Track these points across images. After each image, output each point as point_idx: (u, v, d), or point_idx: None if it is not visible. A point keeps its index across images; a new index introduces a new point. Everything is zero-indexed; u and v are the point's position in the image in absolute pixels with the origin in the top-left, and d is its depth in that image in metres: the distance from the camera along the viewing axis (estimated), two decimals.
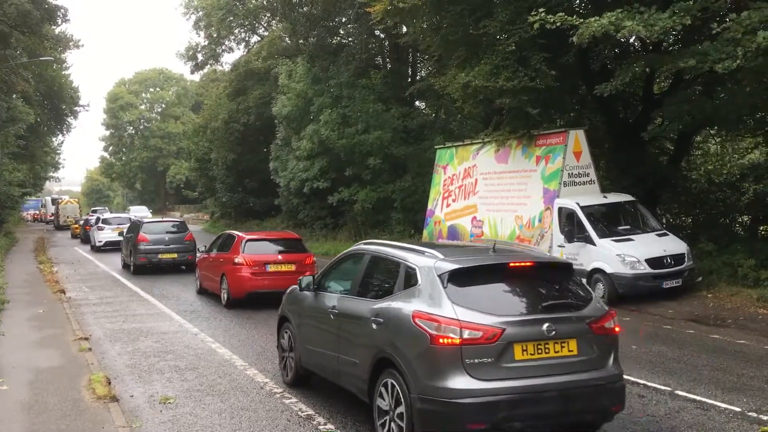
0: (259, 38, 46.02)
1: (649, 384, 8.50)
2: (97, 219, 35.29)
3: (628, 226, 15.65)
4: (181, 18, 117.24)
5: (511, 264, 6.35)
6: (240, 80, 44.54)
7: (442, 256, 6.40)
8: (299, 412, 7.57)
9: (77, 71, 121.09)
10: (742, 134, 20.04)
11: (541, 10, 13.50)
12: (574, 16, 13.31)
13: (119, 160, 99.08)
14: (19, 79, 34.95)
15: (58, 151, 67.34)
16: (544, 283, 6.53)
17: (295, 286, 8.68)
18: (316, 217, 34.48)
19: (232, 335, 12.10)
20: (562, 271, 6.77)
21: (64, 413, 7.42)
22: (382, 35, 32.18)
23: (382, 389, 6.31)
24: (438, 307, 5.92)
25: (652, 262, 14.32)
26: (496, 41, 16.95)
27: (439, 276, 6.11)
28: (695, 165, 21.52)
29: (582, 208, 15.42)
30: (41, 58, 38.06)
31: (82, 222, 42.40)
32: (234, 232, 17.49)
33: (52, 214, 63.55)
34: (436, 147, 22.52)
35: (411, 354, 5.98)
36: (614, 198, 16.34)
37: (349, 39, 34.89)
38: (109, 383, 8.50)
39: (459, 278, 6.10)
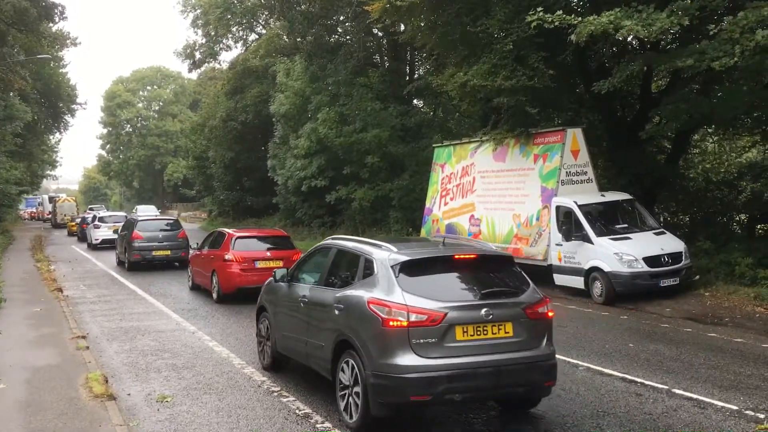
0: (257, 36, 45.99)
1: (647, 382, 8.51)
2: (94, 217, 35.55)
3: (626, 225, 15.66)
4: (179, 16, 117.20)
5: (456, 256, 7.15)
6: (238, 78, 44.51)
7: (395, 249, 7.17)
8: (296, 411, 7.57)
9: (75, 69, 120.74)
10: (739, 133, 20.08)
11: (539, 9, 13.48)
12: (573, 15, 13.29)
13: (117, 158, 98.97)
14: (16, 77, 34.88)
15: (56, 149, 67.32)
16: (486, 273, 7.31)
17: (272, 279, 9.33)
18: (314, 216, 34.48)
19: (229, 334, 12.10)
20: (502, 263, 7.56)
21: (61, 412, 7.41)
22: (380, 33, 32.16)
23: (344, 366, 7.04)
24: (390, 294, 6.68)
25: (650, 260, 14.33)
26: (493, 40, 16.93)
27: (392, 267, 6.86)
28: (693, 163, 21.54)
29: (580, 206, 15.42)
30: (38, 56, 38.00)
31: (78, 220, 42.54)
32: (224, 229, 18.13)
33: (50, 213, 63.49)
34: (434, 145, 22.52)
35: (366, 336, 6.74)
36: (612, 196, 16.35)
37: (347, 37, 34.89)
38: (107, 381, 8.50)
39: (409, 268, 6.87)
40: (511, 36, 16.28)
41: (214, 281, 15.93)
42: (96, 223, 33.66)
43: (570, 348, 10.46)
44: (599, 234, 14.99)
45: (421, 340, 6.44)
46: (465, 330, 6.54)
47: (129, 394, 8.32)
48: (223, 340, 11.43)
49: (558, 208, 15.92)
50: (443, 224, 20.25)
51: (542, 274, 16.60)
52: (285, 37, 39.80)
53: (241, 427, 7.08)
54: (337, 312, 7.26)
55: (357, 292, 7.09)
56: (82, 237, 37.55)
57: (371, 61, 34.50)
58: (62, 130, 61.98)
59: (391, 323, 6.50)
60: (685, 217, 20.35)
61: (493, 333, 6.62)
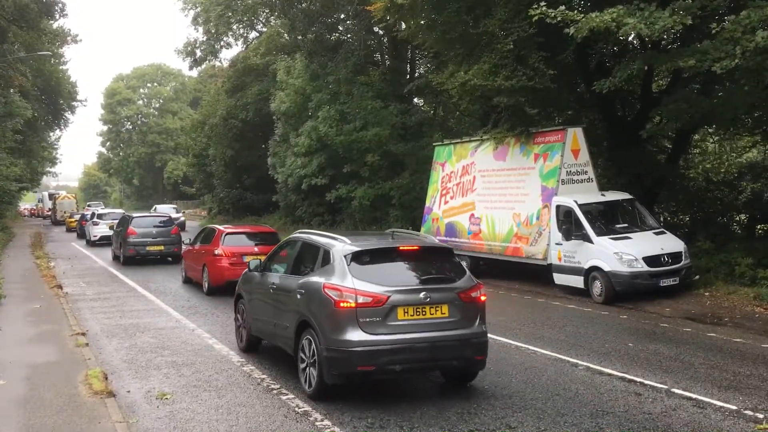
0: (257, 34, 45.96)
1: (646, 382, 8.51)
2: (92, 214, 36.05)
3: (626, 225, 15.66)
4: (180, 14, 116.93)
5: (400, 247, 8.28)
6: (238, 76, 44.49)
7: (349, 242, 8.21)
8: (296, 408, 7.57)
9: (75, 66, 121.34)
10: (740, 133, 20.07)
11: (542, 3, 13.45)
12: (575, 12, 13.27)
13: (117, 155, 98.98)
14: (16, 74, 34.93)
15: (56, 146, 67.20)
16: (426, 262, 8.34)
17: (247, 269, 10.34)
18: (314, 214, 34.47)
19: (229, 331, 12.06)
20: (442, 254, 8.69)
21: (60, 408, 7.41)
22: (381, 32, 32.12)
23: (304, 343, 8.09)
24: (342, 279, 7.72)
25: (650, 260, 14.33)
26: (494, 39, 16.92)
27: (345, 256, 7.91)
28: (693, 163, 21.54)
29: (580, 206, 15.42)
30: (39, 53, 38.03)
31: (77, 217, 42.94)
32: (215, 226, 19.29)
33: (49, 209, 63.45)
34: (434, 144, 22.50)
35: (321, 316, 7.80)
36: (612, 196, 16.34)
37: (348, 35, 34.83)
38: (106, 378, 8.50)
39: (359, 258, 7.93)
40: (512, 35, 16.26)
41: (205, 275, 16.75)
42: (95, 220, 34.08)
43: (569, 347, 10.47)
44: (599, 233, 14.99)
45: (367, 319, 7.50)
46: (406, 311, 7.60)
47: (128, 391, 8.33)
48: (222, 338, 11.43)
49: (558, 207, 15.91)
50: (443, 223, 20.24)
51: (542, 273, 16.66)
52: (285, 35, 39.76)
53: (240, 425, 7.08)
54: (299, 296, 8.33)
55: (315, 279, 8.16)
56: (81, 233, 37.92)
57: (372, 59, 34.47)
58: (62, 127, 62.05)
59: (341, 305, 7.55)
60: (685, 216, 20.35)
61: (430, 314, 7.70)
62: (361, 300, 7.53)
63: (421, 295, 7.66)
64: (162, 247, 23.64)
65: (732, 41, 12.11)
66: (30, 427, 6.87)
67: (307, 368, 8.03)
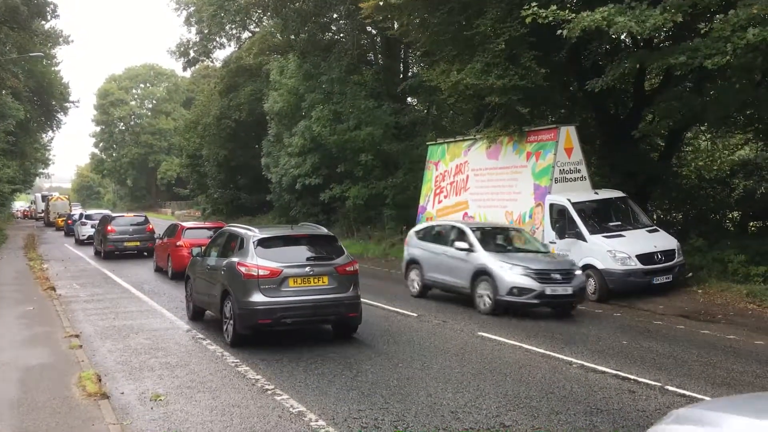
0: (250, 34, 45.84)
1: (640, 379, 8.53)
2: (80, 215, 38.77)
3: (619, 223, 15.71)
4: (173, 14, 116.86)
5: (294, 235, 11.38)
6: (231, 76, 44.37)
7: (258, 232, 11.06)
8: (290, 409, 7.56)
9: (67, 67, 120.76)
10: (732, 130, 20.16)
11: (533, 4, 13.49)
12: (566, 11, 13.31)
13: (110, 156, 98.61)
14: (8, 75, 34.73)
15: (48, 148, 67.09)
16: (313, 246, 11.16)
17: (192, 256, 13.41)
18: (308, 214, 34.41)
19: (222, 332, 12.05)
20: (326, 240, 11.39)
21: (54, 411, 7.38)
22: (374, 31, 32.12)
23: (225, 306, 10.83)
24: (250, 258, 10.46)
25: (643, 258, 14.38)
26: (486, 39, 16.94)
27: (253, 242, 10.67)
28: (686, 161, 21.62)
29: (573, 204, 15.46)
30: (31, 54, 37.86)
31: (65, 217, 45.71)
32: (178, 222, 23.18)
33: (42, 211, 63.22)
34: (427, 143, 22.53)
35: (235, 285, 10.56)
36: (605, 194, 16.39)
37: (341, 35, 34.82)
38: (100, 380, 8.46)
39: (264, 243, 10.71)
40: (504, 35, 16.28)
41: (169, 262, 20.10)
42: (83, 220, 36.30)
43: (563, 345, 10.49)
44: (592, 232, 15.03)
45: (267, 286, 10.25)
46: (295, 280, 10.39)
47: (122, 393, 8.30)
48: (216, 339, 11.39)
49: (551, 205, 15.94)
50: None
51: None
52: (278, 35, 39.68)
53: (234, 426, 7.06)
54: (222, 272, 11.08)
55: (233, 259, 10.86)
56: (68, 232, 40.73)
57: (365, 58, 34.43)
58: (55, 129, 61.83)
59: (247, 276, 10.30)
60: (678, 214, 20.43)
61: (314, 282, 10.48)
62: (261, 273, 10.26)
63: (307, 269, 10.50)
64: (138, 243, 26.66)
65: (723, 39, 12.16)
66: (23, 430, 6.83)
67: (227, 325, 10.76)
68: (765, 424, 3.33)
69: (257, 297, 10.19)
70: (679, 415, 4.01)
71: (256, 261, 10.33)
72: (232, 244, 11.37)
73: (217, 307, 11.28)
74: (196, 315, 13.03)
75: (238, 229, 11.95)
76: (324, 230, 12.18)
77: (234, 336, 10.57)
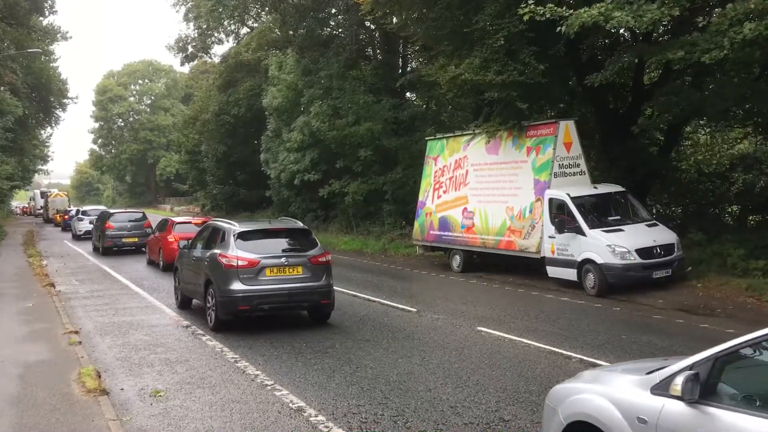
0: (248, 30, 45.76)
1: None
2: (77, 211, 40.15)
3: (619, 217, 15.71)
4: (171, 9, 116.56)
5: (271, 228, 12.52)
6: (230, 72, 44.33)
7: (238, 225, 12.00)
8: (290, 404, 7.57)
9: (65, 63, 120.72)
10: (731, 125, 20.12)
11: (530, 1, 13.47)
12: (564, 8, 13.29)
13: (109, 152, 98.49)
14: (6, 71, 34.67)
15: (47, 144, 66.96)
16: (289, 238, 12.15)
17: (180, 248, 14.70)
18: (307, 209, 34.43)
19: (224, 329, 12.06)
20: (301, 233, 12.37)
21: (53, 407, 7.38)
22: (372, 26, 32.02)
23: (209, 294, 11.74)
24: (230, 250, 11.34)
25: (642, 252, 14.38)
26: (485, 35, 16.91)
27: (233, 235, 11.57)
28: (685, 155, 21.59)
29: (572, 198, 15.45)
30: (29, 50, 37.78)
31: (63, 212, 48.00)
32: (169, 217, 24.69)
33: (41, 207, 63.23)
34: (426, 138, 22.50)
35: (217, 274, 11.46)
36: (604, 189, 16.38)
37: (339, 30, 34.74)
38: (99, 377, 8.47)
39: (243, 236, 11.61)
40: (502, 31, 16.24)
41: (161, 255, 21.15)
42: (79, 216, 37.53)
43: (563, 340, 10.50)
44: (592, 226, 15.02)
45: (245, 276, 11.14)
46: (272, 270, 11.27)
47: (122, 389, 8.31)
48: (216, 335, 11.40)
49: (551, 200, 15.94)
50: (436, 217, 20.26)
51: (536, 266, 16.69)
52: (277, 30, 39.61)
53: (234, 421, 7.07)
54: (206, 263, 11.99)
55: (215, 251, 11.72)
56: (65, 227, 42.60)
57: (364, 54, 34.38)
58: (53, 125, 61.77)
59: (228, 266, 11.22)
60: (677, 208, 20.42)
61: (289, 272, 11.36)
62: (240, 263, 11.17)
63: (282, 259, 11.39)
64: (136, 239, 26.98)
65: (720, 34, 12.15)
66: (23, 426, 6.84)
67: (210, 311, 11.72)
68: (646, 378, 4.18)
69: (237, 285, 11.08)
70: (581, 375, 5.09)
71: (236, 252, 11.24)
72: (216, 237, 12.23)
73: (201, 295, 12.20)
74: (183, 303, 13.94)
75: (221, 223, 12.84)
76: (300, 224, 13.01)
77: (216, 321, 11.49)
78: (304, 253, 11.63)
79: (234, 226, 11.86)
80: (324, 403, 7.59)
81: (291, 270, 11.34)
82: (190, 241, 14.02)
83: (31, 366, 9.21)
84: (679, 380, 3.75)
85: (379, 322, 12.22)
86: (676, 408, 3.78)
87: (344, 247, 27.45)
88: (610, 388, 4.39)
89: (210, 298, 11.66)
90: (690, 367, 3.85)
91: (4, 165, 43.24)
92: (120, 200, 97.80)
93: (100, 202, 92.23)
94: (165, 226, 22.15)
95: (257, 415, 7.23)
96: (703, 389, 3.72)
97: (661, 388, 3.95)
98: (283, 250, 11.60)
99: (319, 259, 11.64)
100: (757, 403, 3.53)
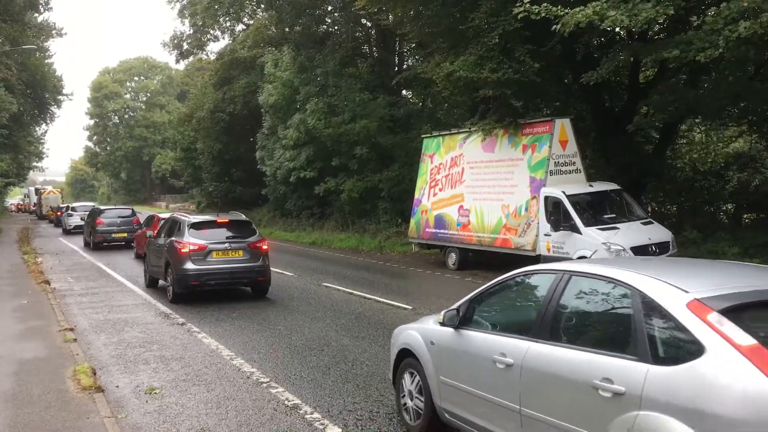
0: (244, 27, 45.63)
1: None
2: (67, 207, 42.35)
3: (614, 215, 15.73)
4: (166, 6, 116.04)
5: (218, 220, 14.85)
6: (225, 69, 44.17)
7: (192, 218, 14.78)
8: (286, 401, 7.57)
9: (61, 60, 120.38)
10: (726, 123, 20.20)
11: (525, 0, 13.48)
12: (559, 7, 13.30)
13: (104, 149, 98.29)
14: (1, 68, 34.53)
15: (42, 141, 66.53)
16: (232, 228, 14.61)
17: (148, 238, 17.67)
18: (303, 207, 34.40)
19: (218, 325, 12.07)
20: (243, 224, 15.02)
21: (48, 404, 7.37)
22: (369, 24, 32.01)
23: (168, 273, 14.39)
24: (185, 237, 14.02)
25: (637, 250, 14.40)
26: (480, 32, 16.91)
27: (187, 225, 14.26)
28: (680, 154, 21.65)
29: (568, 196, 15.47)
30: (24, 47, 37.62)
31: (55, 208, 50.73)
32: (154, 213, 26.39)
33: (35, 204, 63.31)
34: (423, 136, 22.49)
35: (173, 257, 14.07)
36: (600, 187, 16.40)
37: (336, 27, 34.69)
38: (95, 374, 8.46)
39: (195, 226, 14.27)
40: (498, 29, 16.25)
41: (145, 248, 22.42)
42: (69, 212, 39.35)
43: None
44: (587, 224, 15.05)
45: (196, 258, 13.79)
46: (217, 253, 13.93)
47: (117, 386, 8.30)
48: (211, 332, 11.41)
49: (546, 198, 15.96)
50: (432, 215, 20.27)
51: (532, 263, 16.70)
52: (273, 27, 39.50)
53: (230, 419, 7.07)
54: (166, 248, 14.54)
55: (173, 238, 14.39)
56: (57, 223, 44.77)
57: (360, 51, 34.34)
58: (48, 122, 61.39)
59: (182, 250, 13.85)
60: (672, 206, 20.49)
61: (231, 255, 14.03)
62: (192, 248, 13.81)
63: (226, 245, 14.07)
64: (125, 234, 28.10)
65: (715, 32, 12.18)
66: (18, 423, 6.83)
67: (169, 287, 14.44)
68: (439, 316, 6.18)
69: (189, 266, 13.76)
70: (420, 320, 7.06)
71: (188, 239, 13.90)
72: (174, 228, 14.81)
73: (162, 274, 14.92)
74: (151, 283, 16.54)
75: (180, 216, 15.53)
76: (243, 217, 15.87)
77: (173, 296, 14.20)
78: (245, 239, 14.27)
79: (188, 218, 14.69)
80: (319, 400, 7.60)
81: (233, 253, 14.02)
82: (156, 231, 16.66)
83: (26, 363, 9.19)
84: (444, 315, 5.98)
85: (374, 320, 12.23)
86: (447, 332, 5.93)
87: (340, 245, 27.45)
88: (422, 324, 6.60)
89: (169, 277, 14.35)
90: (457, 309, 5.88)
91: None
92: (115, 197, 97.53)
93: (95, 199, 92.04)
94: (151, 221, 23.52)
95: (253, 413, 7.23)
96: (462, 320, 5.81)
97: (442, 322, 6.01)
98: (227, 238, 14.21)
99: (257, 245, 14.27)
100: (487, 326, 5.71)
